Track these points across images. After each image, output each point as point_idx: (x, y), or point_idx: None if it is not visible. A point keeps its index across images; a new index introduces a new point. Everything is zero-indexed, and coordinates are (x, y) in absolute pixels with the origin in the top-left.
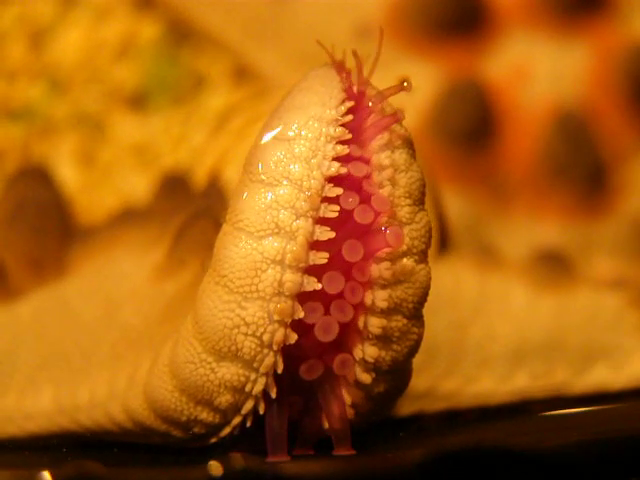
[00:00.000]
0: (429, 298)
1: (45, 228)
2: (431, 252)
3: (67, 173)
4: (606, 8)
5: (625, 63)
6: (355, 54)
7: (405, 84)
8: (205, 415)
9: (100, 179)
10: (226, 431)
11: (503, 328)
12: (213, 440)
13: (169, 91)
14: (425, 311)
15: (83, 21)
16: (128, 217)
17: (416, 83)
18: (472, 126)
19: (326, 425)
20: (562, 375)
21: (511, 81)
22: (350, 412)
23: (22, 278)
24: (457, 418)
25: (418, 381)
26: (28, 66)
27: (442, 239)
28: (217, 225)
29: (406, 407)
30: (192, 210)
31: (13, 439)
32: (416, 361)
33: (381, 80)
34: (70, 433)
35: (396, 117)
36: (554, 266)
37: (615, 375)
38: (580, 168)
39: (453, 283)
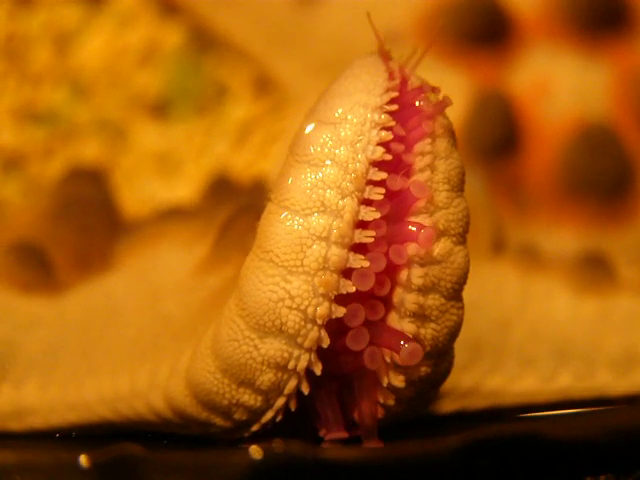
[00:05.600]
0: (473, 296)
1: (92, 224)
2: (485, 254)
3: None
4: (628, 26)
5: None
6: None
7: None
8: (247, 397)
9: (120, 186)
10: (268, 416)
11: (546, 329)
12: (255, 428)
13: (192, 100)
14: (469, 309)
15: (107, 27)
16: (173, 214)
17: (447, 92)
18: (498, 138)
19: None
20: (604, 377)
21: (534, 95)
22: (390, 397)
23: (69, 273)
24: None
25: (462, 378)
26: (52, 71)
27: (496, 243)
28: None
29: (449, 404)
30: (236, 207)
31: (55, 429)
32: (461, 358)
33: None
34: (110, 424)
35: (439, 107)
36: (585, 271)
37: None
38: (600, 182)
39: (496, 282)
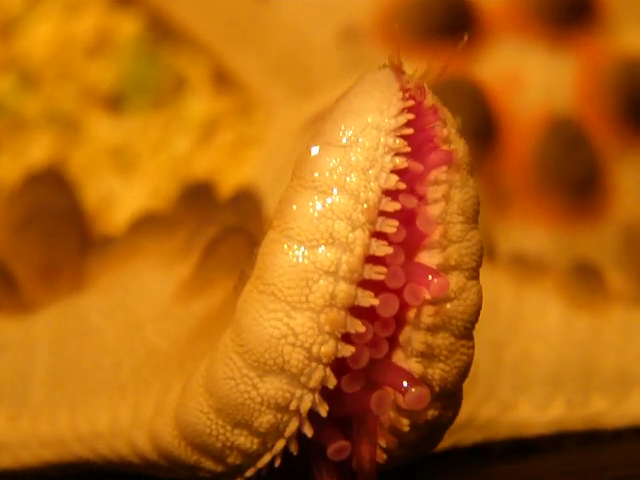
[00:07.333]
0: None
1: (59, 236)
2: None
3: None
4: (595, 20)
5: (612, 74)
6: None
7: None
8: (242, 440)
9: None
10: (265, 459)
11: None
12: (249, 473)
13: (147, 92)
14: None
15: (54, 13)
16: (149, 225)
17: None
18: (474, 130)
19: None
20: (599, 404)
21: (504, 88)
22: (392, 441)
23: (35, 290)
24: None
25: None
26: None
27: (489, 249)
28: (250, 242)
29: (443, 441)
30: (222, 224)
31: (28, 468)
32: None
33: None
34: (88, 463)
35: (456, 130)
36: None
37: None
38: (571, 176)
39: (492, 295)
